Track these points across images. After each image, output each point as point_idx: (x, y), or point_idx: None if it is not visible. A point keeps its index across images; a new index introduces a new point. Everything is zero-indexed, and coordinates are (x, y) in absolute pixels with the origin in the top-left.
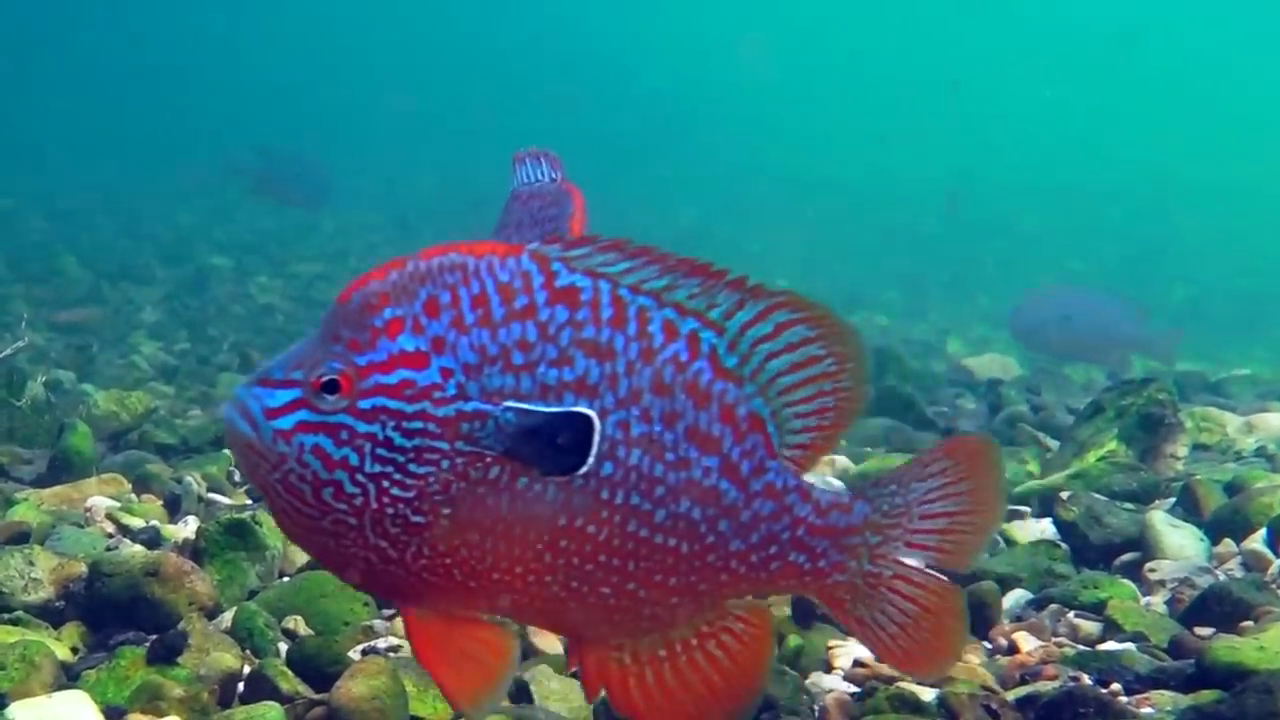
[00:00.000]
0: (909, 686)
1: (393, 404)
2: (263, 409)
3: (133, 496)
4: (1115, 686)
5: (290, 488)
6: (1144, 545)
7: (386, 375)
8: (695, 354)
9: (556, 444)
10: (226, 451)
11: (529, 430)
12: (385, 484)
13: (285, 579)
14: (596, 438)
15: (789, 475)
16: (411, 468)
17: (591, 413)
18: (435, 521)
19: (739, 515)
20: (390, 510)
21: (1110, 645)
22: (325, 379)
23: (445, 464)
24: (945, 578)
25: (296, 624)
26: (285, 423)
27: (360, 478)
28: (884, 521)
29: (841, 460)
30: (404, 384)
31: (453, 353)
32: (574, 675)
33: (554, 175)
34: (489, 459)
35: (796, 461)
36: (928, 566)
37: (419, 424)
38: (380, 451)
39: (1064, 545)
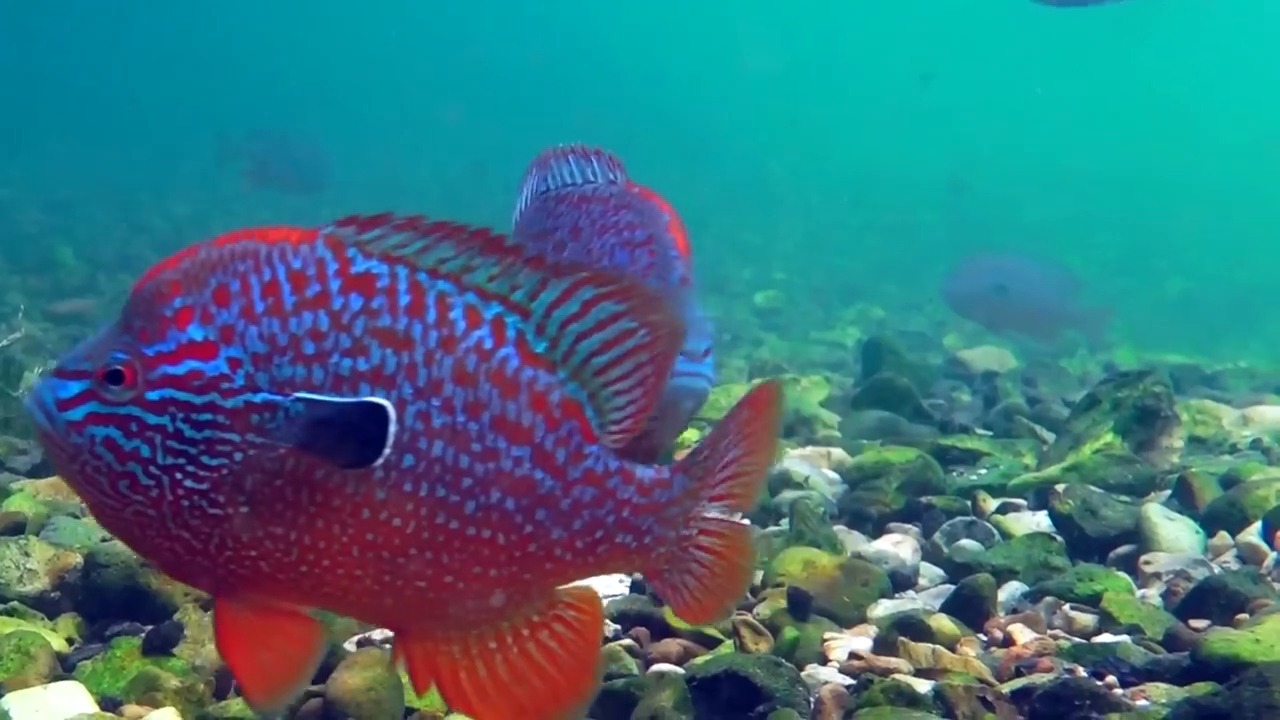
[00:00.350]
0: (905, 679)
1: (181, 395)
2: (55, 400)
3: None
4: (1110, 679)
5: (89, 479)
6: (1139, 538)
7: (174, 366)
8: (501, 340)
9: (349, 436)
10: None
11: (320, 421)
12: (179, 476)
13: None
14: (392, 429)
15: (610, 459)
16: (204, 460)
17: (386, 403)
18: (234, 513)
19: (558, 504)
20: (186, 502)
21: (1106, 638)
22: (109, 369)
23: (238, 456)
24: (737, 520)
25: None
26: (76, 414)
27: (154, 470)
28: (697, 486)
29: (837, 453)
30: (192, 375)
31: (241, 342)
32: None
33: (612, 176)
34: (283, 451)
35: (622, 437)
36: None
37: (208, 415)
38: (171, 444)
39: (1059, 538)
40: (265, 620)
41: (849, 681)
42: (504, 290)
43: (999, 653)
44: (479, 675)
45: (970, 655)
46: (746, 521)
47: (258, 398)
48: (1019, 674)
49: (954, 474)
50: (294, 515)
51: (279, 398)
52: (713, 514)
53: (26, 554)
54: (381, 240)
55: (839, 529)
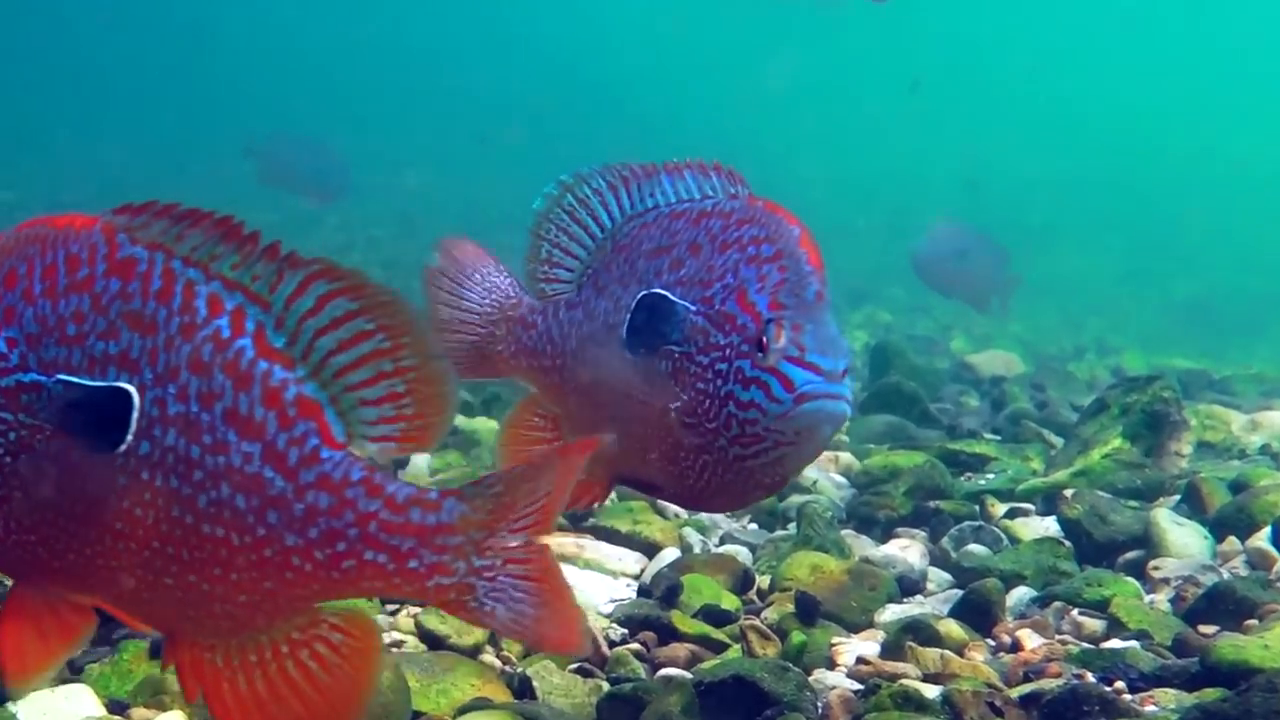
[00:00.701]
0: (913, 684)
1: None
2: None
3: None
4: (1119, 684)
5: None
6: (1148, 543)
7: None
8: (239, 331)
9: (95, 419)
10: None
11: (72, 403)
12: None
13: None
14: (135, 415)
15: (353, 467)
16: None
17: (130, 388)
18: (10, 494)
19: (291, 507)
20: None
21: (1114, 643)
22: None
23: (12, 435)
24: (536, 541)
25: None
26: None
27: None
28: (487, 518)
29: (845, 457)
30: None
31: (19, 323)
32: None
33: (734, 190)
34: (47, 432)
35: (390, 453)
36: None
37: None
38: None
39: (1068, 543)
40: (46, 606)
41: (857, 686)
42: (245, 280)
43: (1007, 658)
44: (240, 688)
45: (978, 660)
46: (543, 540)
47: (28, 378)
48: (1027, 679)
49: (962, 479)
50: (59, 499)
51: (43, 378)
52: (515, 543)
53: None
54: (147, 227)
55: (847, 533)
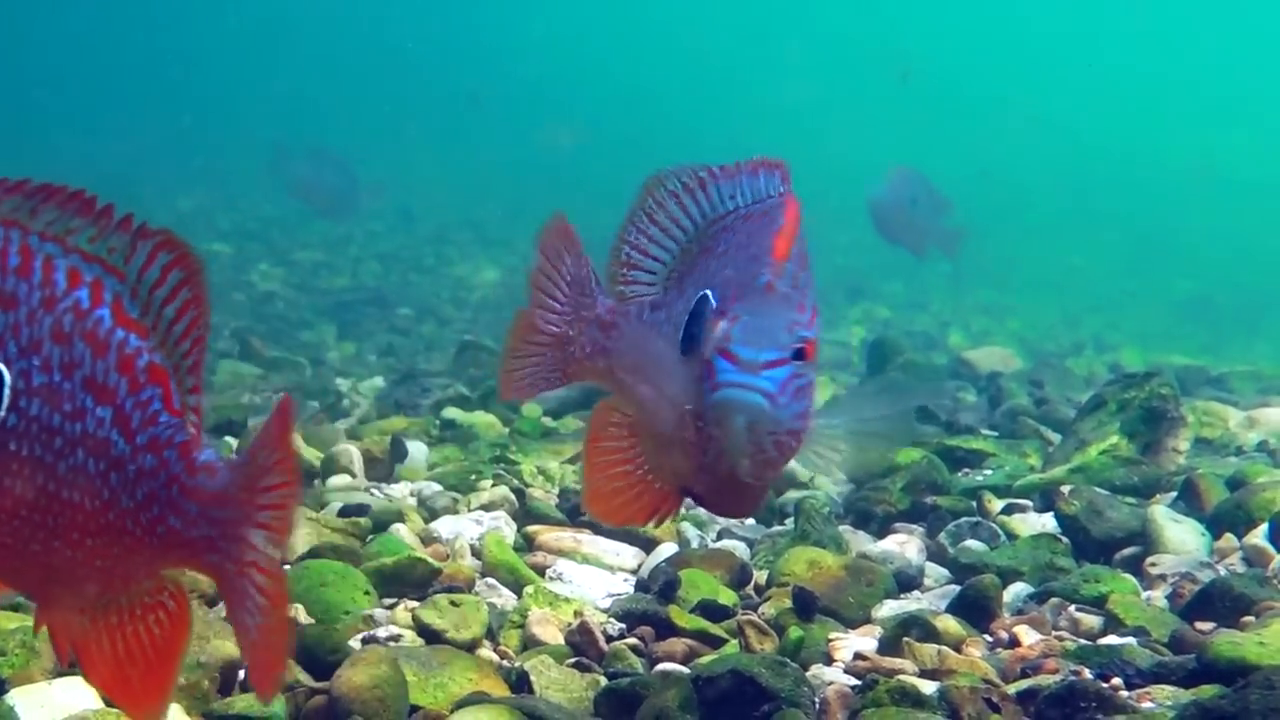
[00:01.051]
0: (910, 679)
1: None
2: None
3: None
4: (1116, 681)
5: None
6: (1145, 539)
7: None
8: (97, 301)
9: None
10: (227, 439)
11: None
12: None
13: (285, 567)
14: (6, 390)
15: (179, 432)
16: None
17: (1, 366)
18: None
19: (126, 469)
20: None
21: (1111, 639)
22: None
23: None
24: (277, 571)
25: (297, 613)
26: None
27: None
28: (242, 496)
29: None
30: None
31: None
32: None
33: (781, 188)
34: None
35: (195, 411)
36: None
37: None
38: None
39: (1065, 539)
40: None
41: (854, 682)
42: (102, 252)
43: (1004, 654)
44: (104, 649)
45: (976, 656)
46: (285, 568)
47: None
48: (1024, 675)
49: (960, 474)
50: None
51: None
52: (260, 543)
53: None
54: (2, 205)
55: (844, 529)
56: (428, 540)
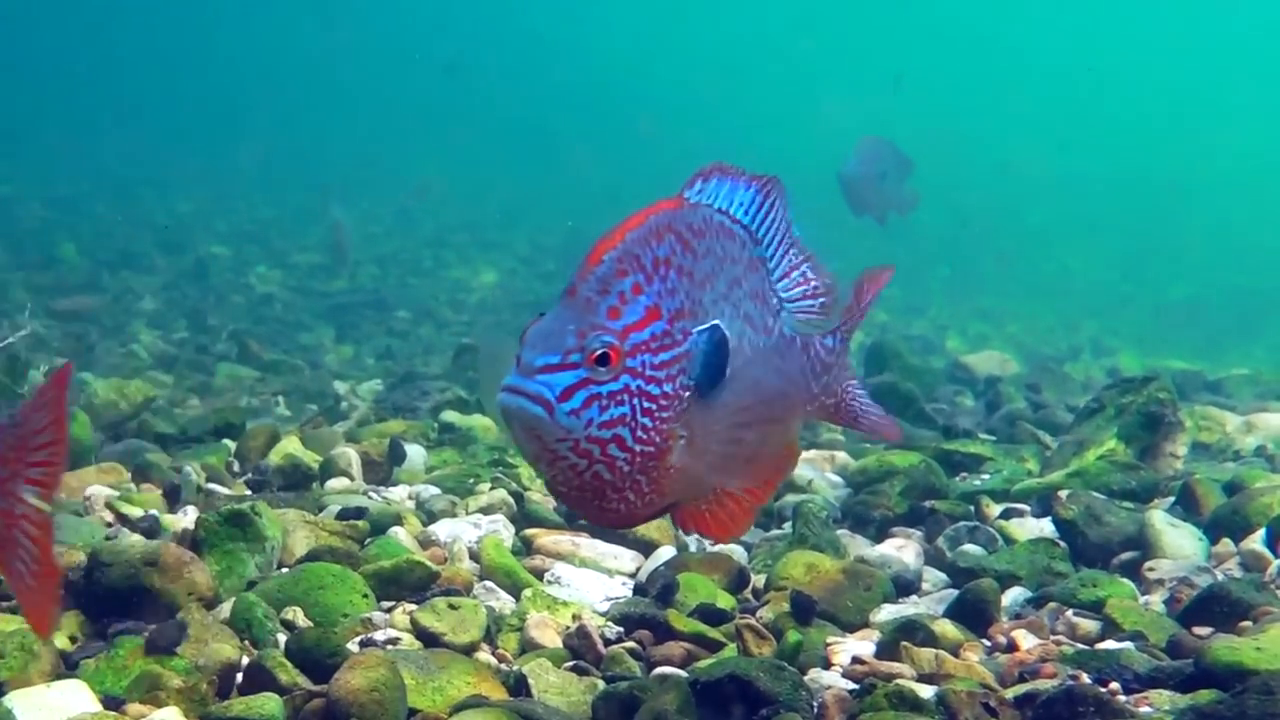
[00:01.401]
0: (908, 684)
1: None
2: None
3: (131, 486)
4: (1114, 685)
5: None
6: (1143, 544)
7: None
8: None
9: None
10: (226, 442)
11: None
12: None
13: (284, 570)
14: None
15: None
16: None
17: None
18: None
19: None
20: None
21: (1109, 644)
22: None
23: None
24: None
25: (295, 615)
26: None
27: None
28: (13, 455)
29: (841, 456)
30: None
31: None
32: None
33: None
34: None
35: None
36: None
37: None
38: None
39: (1063, 544)
40: None
41: (852, 686)
42: None
43: (1002, 658)
44: None
45: (973, 661)
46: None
47: None
48: (1022, 680)
49: (957, 479)
50: None
51: None
52: (30, 499)
53: None
54: None
55: (842, 533)
56: (426, 543)
